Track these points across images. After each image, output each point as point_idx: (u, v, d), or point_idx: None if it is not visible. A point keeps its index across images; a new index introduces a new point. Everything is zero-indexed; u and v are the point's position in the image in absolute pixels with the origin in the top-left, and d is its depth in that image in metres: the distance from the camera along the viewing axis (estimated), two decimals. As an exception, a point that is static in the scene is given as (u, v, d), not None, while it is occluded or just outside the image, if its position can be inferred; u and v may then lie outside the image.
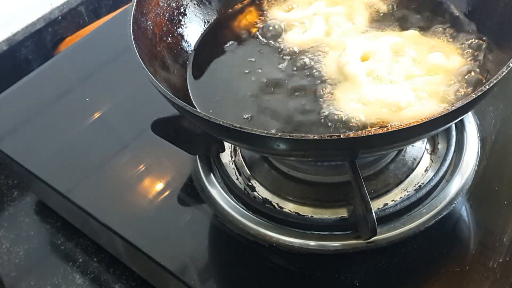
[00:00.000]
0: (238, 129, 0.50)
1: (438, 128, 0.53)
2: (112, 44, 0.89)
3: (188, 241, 0.65)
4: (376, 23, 0.68)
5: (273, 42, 0.69)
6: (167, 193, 0.70)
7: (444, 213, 0.62)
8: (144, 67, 0.55)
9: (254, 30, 0.71)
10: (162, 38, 0.66)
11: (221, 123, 0.50)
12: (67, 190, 0.72)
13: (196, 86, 0.66)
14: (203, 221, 0.67)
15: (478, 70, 0.61)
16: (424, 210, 0.62)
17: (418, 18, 0.68)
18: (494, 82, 0.49)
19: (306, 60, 0.65)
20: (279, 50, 0.68)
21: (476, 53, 0.62)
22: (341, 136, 0.47)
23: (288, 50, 0.67)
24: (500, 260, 0.58)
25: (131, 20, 0.60)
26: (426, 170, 0.66)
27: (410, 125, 0.47)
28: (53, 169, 0.74)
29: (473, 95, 0.49)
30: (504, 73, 0.50)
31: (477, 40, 0.64)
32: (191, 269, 0.64)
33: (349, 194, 0.60)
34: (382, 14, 0.69)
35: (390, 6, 0.70)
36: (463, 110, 0.50)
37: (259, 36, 0.70)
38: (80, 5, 1.03)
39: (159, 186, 0.71)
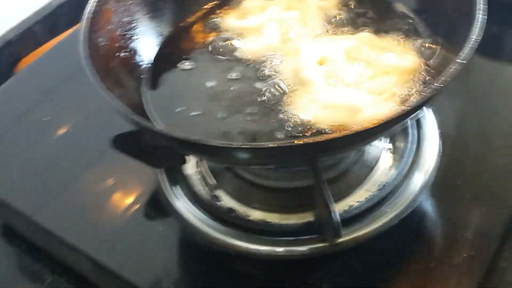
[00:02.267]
0: (195, 141, 0.50)
1: (393, 129, 0.53)
2: (69, 61, 0.87)
3: (158, 256, 0.65)
4: (330, 27, 0.69)
5: (228, 52, 0.68)
6: (134, 209, 0.70)
7: (408, 211, 0.62)
8: (98, 84, 0.55)
9: (208, 40, 0.71)
10: (116, 54, 0.66)
11: (178, 136, 0.50)
12: (31, 211, 0.71)
13: (153, 99, 0.66)
14: (172, 235, 0.66)
15: (431, 68, 0.62)
16: (388, 210, 0.62)
17: (371, 20, 0.69)
18: (447, 79, 0.50)
19: (262, 67, 0.65)
20: (235, 59, 0.68)
21: (429, 51, 0.63)
22: (300, 142, 0.48)
23: (243, 58, 0.67)
24: (465, 255, 0.59)
25: (82, 38, 0.59)
26: (388, 169, 0.66)
27: (365, 128, 0.48)
28: (16, 191, 0.73)
29: (426, 94, 0.49)
30: (456, 70, 0.51)
31: (429, 38, 0.65)
32: (162, 285, 0.63)
33: (314, 198, 0.60)
34: (335, 18, 0.70)
35: (343, 9, 0.71)
36: (416, 109, 0.50)
37: (214, 47, 0.70)
38: (36, 24, 1.02)
39: (126, 202, 0.71)
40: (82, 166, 0.75)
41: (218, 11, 0.75)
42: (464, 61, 0.51)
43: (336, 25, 0.69)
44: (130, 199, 0.71)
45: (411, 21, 0.68)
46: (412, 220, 0.63)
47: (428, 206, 0.64)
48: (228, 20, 0.72)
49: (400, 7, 0.70)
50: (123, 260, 0.64)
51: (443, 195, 0.65)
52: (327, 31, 0.68)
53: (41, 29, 1.03)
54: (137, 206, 0.70)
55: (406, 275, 0.58)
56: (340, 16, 0.70)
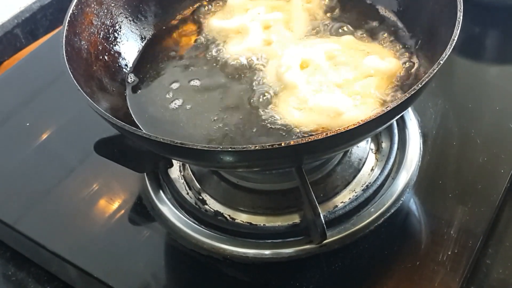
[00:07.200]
0: (180, 145, 0.49)
1: (375, 129, 0.54)
2: (50, 66, 0.87)
3: (144, 262, 0.64)
4: (315, 30, 0.69)
5: (211, 54, 0.68)
6: (118, 215, 0.69)
7: (392, 210, 0.63)
8: (79, 88, 0.54)
9: (192, 43, 0.71)
10: (98, 57, 0.65)
11: (161, 140, 0.50)
12: (14, 220, 0.69)
13: (137, 103, 0.65)
14: (157, 240, 0.66)
15: (412, 69, 0.62)
16: (372, 209, 0.63)
17: (354, 23, 0.69)
18: (426, 80, 0.51)
19: (246, 70, 0.65)
20: (218, 61, 0.67)
21: (410, 53, 0.64)
22: (282, 144, 0.48)
23: (227, 60, 0.67)
24: (449, 253, 0.59)
25: (63, 41, 0.58)
26: (372, 170, 0.67)
27: (347, 129, 0.48)
28: (-3, 200, 0.72)
29: (406, 95, 0.50)
30: (435, 71, 0.51)
31: (410, 40, 0.65)
32: (148, 291, 0.63)
33: (300, 200, 0.60)
34: (320, 21, 0.70)
35: (327, 12, 0.71)
36: (397, 110, 0.51)
37: (198, 49, 0.70)
38: (16, 27, 1.01)
39: (110, 208, 0.70)
40: (65, 172, 0.74)
41: (202, 12, 0.74)
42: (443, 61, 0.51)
43: (320, 28, 0.69)
44: (114, 205, 0.70)
45: (392, 24, 0.68)
46: (396, 219, 0.63)
47: (412, 205, 0.65)
48: (212, 21, 0.72)
49: (382, 10, 0.70)
50: (109, 267, 0.64)
51: (426, 194, 0.65)
52: (311, 34, 0.68)
53: (22, 32, 1.02)
54: (122, 211, 0.69)
55: (393, 273, 0.59)
56: (324, 19, 0.70)
